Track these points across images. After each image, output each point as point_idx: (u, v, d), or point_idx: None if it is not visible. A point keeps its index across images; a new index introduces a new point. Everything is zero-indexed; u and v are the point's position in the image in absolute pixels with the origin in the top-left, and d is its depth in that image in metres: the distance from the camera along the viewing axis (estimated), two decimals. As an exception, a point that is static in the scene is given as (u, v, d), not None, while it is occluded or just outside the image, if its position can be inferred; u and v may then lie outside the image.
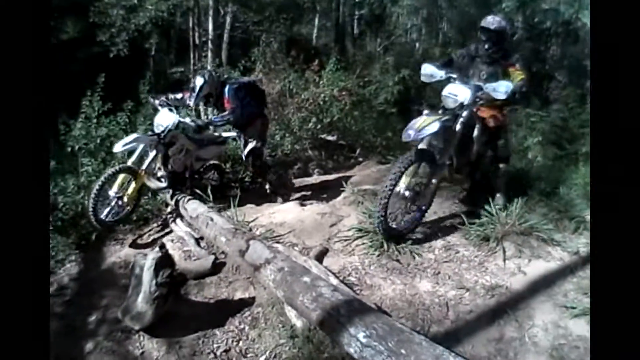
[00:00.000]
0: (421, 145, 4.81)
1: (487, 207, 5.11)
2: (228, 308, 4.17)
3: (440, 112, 4.89)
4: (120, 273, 5.09)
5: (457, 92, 4.83)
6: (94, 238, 5.72)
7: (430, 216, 5.30)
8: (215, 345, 3.81)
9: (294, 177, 8.70)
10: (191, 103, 6.56)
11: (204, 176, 7.01)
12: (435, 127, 4.57)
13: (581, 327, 3.57)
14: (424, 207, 5.03)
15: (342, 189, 6.31)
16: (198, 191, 6.31)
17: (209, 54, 15.49)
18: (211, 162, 7.12)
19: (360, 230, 4.91)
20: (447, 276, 4.31)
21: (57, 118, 8.14)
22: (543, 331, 3.59)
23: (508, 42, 5.73)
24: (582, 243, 4.75)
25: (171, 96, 6.42)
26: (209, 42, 15.87)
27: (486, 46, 5.48)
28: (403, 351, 2.50)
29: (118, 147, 5.81)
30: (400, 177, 4.55)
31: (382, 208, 4.48)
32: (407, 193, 4.71)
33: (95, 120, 7.74)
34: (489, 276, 4.29)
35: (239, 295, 4.34)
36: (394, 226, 4.79)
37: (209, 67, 14.24)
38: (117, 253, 5.55)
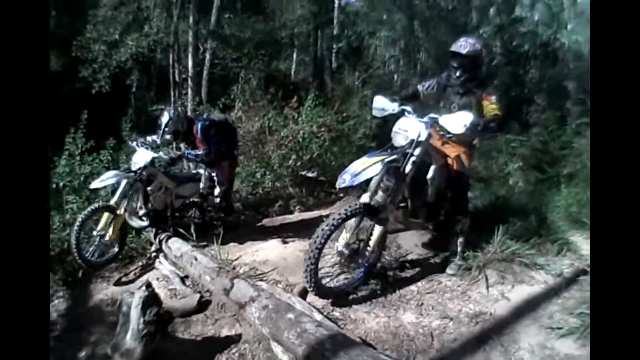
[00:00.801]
0: (364, 199, 4.29)
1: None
2: (215, 345, 4.15)
3: (388, 151, 4.36)
4: (107, 310, 5.11)
5: (408, 127, 4.30)
6: (80, 275, 5.77)
7: (410, 248, 5.41)
8: (204, 382, 3.79)
9: (275, 215, 8.71)
10: (158, 140, 6.50)
11: (185, 214, 7.09)
12: (375, 170, 4.04)
13: (568, 346, 3.62)
14: (367, 264, 4.54)
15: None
16: (181, 230, 6.37)
17: (189, 91, 15.54)
18: (192, 199, 7.20)
19: (342, 265, 4.69)
20: (431, 307, 4.34)
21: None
22: (529, 353, 3.63)
23: (483, 68, 5.28)
24: (565, 264, 4.86)
25: (148, 138, 6.49)
26: (189, 79, 15.92)
27: (457, 73, 4.87)
28: None
29: (96, 184, 6.01)
30: (332, 231, 4.07)
31: (311, 265, 4.06)
32: (344, 250, 4.25)
33: (78, 158, 7.87)
34: (473, 304, 4.33)
35: (225, 332, 4.32)
36: (329, 285, 4.46)
37: (189, 105, 14.36)
38: (104, 291, 5.60)
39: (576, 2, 21.89)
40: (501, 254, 4.94)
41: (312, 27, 22.04)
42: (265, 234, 7.07)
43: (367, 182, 4.25)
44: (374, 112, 4.72)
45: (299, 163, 10.45)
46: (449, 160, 4.83)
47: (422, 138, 4.25)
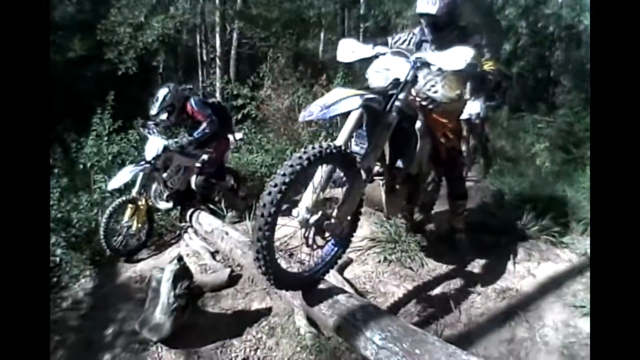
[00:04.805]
0: (340, 141, 3.11)
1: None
2: (245, 318, 4.18)
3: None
4: (135, 287, 5.22)
5: (391, 66, 3.38)
6: (109, 253, 5.84)
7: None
8: (233, 355, 3.84)
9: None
10: (152, 112, 6.45)
11: (220, 182, 7.04)
12: (353, 103, 3.00)
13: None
14: (339, 236, 3.37)
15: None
16: (212, 206, 6.50)
17: (217, 70, 15.61)
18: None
19: (372, 240, 4.88)
20: (458, 281, 4.32)
21: (63, 134, 8.33)
22: (553, 331, 3.63)
23: (460, 17, 4.26)
24: (589, 244, 4.80)
25: (159, 118, 6.43)
26: (217, 59, 16.00)
27: (432, 35, 4.07)
28: (417, 351, 2.56)
29: (113, 184, 6.08)
30: (288, 189, 2.69)
31: (262, 245, 2.77)
32: (307, 217, 3.00)
33: (106, 138, 7.97)
34: (500, 280, 4.30)
35: (255, 306, 4.37)
36: (291, 270, 3.45)
37: (217, 84, 14.39)
38: (132, 268, 5.71)
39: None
40: (528, 232, 4.91)
41: (339, 7, 21.91)
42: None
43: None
44: (340, 57, 3.72)
45: (329, 140, 10.26)
46: (437, 133, 4.12)
47: (409, 78, 3.35)
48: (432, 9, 3.82)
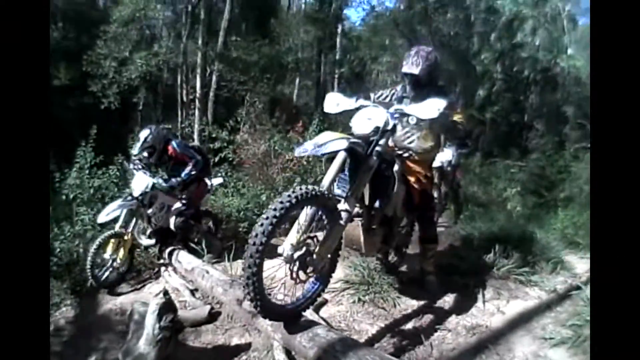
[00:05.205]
0: (324, 184, 3.41)
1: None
2: (225, 353, 4.30)
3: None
4: (116, 319, 5.30)
5: (372, 116, 3.73)
6: (89, 285, 5.93)
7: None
8: (214, 386, 3.88)
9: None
10: (134, 152, 6.62)
11: (197, 224, 7.19)
12: (340, 145, 3.41)
13: (560, 355, 3.83)
14: (321, 273, 3.67)
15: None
16: (193, 245, 6.61)
17: (196, 112, 15.73)
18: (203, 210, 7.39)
19: (346, 282, 5.06)
20: (430, 319, 4.50)
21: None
22: None
23: (438, 77, 4.67)
24: (559, 281, 5.11)
25: (143, 155, 6.56)
26: (196, 100, 16.11)
27: (414, 91, 4.51)
28: None
29: (102, 218, 6.23)
30: (277, 225, 3.00)
31: (252, 277, 3.02)
32: (291, 254, 3.23)
33: (87, 172, 8.06)
34: (470, 317, 4.51)
35: (235, 341, 4.46)
36: (281, 303, 3.57)
37: (196, 125, 14.55)
38: (113, 300, 5.79)
39: (577, 27, 22.01)
40: (497, 272, 5.19)
41: (316, 52, 22.23)
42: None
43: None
44: (327, 109, 4.04)
45: (303, 185, 10.27)
46: (411, 180, 4.51)
47: (389, 127, 3.73)
48: (416, 70, 4.35)
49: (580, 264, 5.68)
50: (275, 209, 2.99)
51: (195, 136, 15.22)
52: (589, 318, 3.55)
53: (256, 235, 2.97)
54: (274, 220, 2.97)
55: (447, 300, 4.85)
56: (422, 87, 4.46)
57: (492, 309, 4.67)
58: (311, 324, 3.66)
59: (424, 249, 4.98)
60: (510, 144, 20.09)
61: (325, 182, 3.45)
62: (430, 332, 4.30)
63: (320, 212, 3.49)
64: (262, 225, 2.96)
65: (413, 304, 4.80)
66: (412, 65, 4.38)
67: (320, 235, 3.50)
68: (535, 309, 4.64)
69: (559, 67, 21.20)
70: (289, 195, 3.06)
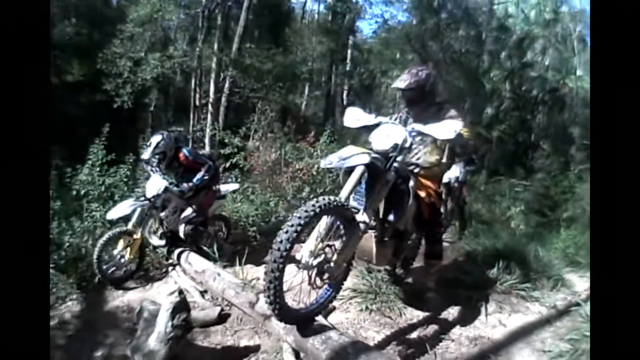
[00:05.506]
0: (343, 196, 3.56)
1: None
2: (234, 353, 4.36)
3: None
4: (123, 316, 5.36)
5: (391, 133, 3.89)
6: (97, 281, 6.00)
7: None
8: (223, 385, 3.92)
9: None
10: (145, 157, 6.56)
11: (208, 228, 7.25)
12: (362, 159, 3.60)
13: None
14: (335, 281, 3.86)
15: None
16: (205, 248, 6.63)
17: (209, 116, 15.78)
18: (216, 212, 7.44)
19: (354, 290, 5.15)
20: (434, 330, 4.61)
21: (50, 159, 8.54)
22: None
23: (435, 94, 4.76)
24: (559, 298, 5.20)
25: (152, 160, 6.60)
26: (209, 104, 16.16)
27: (407, 107, 4.79)
28: None
29: (112, 214, 6.31)
30: (300, 232, 3.15)
31: (274, 281, 3.19)
32: (310, 261, 3.45)
33: (98, 169, 8.13)
34: (473, 329, 4.64)
35: (244, 343, 4.54)
36: (295, 307, 3.69)
37: (207, 130, 14.58)
38: (120, 298, 5.85)
39: (587, 48, 22.01)
40: (500, 287, 5.31)
41: (328, 64, 22.29)
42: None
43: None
44: (347, 123, 4.25)
45: (312, 195, 10.14)
46: (422, 195, 4.56)
47: (407, 144, 3.92)
48: (402, 85, 4.52)
49: (580, 282, 5.76)
50: (299, 217, 3.16)
51: (207, 141, 15.33)
52: (586, 333, 3.78)
53: (281, 242, 3.12)
54: (299, 227, 3.13)
55: (451, 312, 4.95)
56: (414, 102, 4.66)
57: (494, 322, 4.79)
58: (324, 327, 3.81)
59: (428, 265, 5.09)
60: (516, 162, 20.09)
61: (344, 193, 3.60)
62: (434, 341, 4.40)
63: (338, 222, 3.64)
64: (286, 232, 3.13)
65: (418, 314, 4.91)
66: (399, 81, 4.55)
67: (337, 244, 3.66)
68: (535, 323, 4.76)
69: (567, 88, 21.21)
70: (312, 205, 3.22)
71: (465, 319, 4.81)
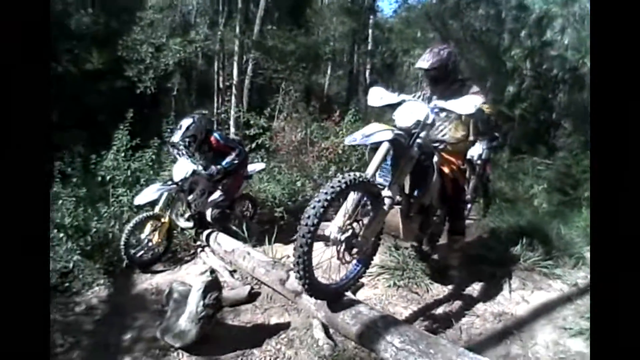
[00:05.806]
0: (369, 172, 3.64)
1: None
2: (264, 331, 4.37)
3: None
4: (152, 299, 5.41)
5: (414, 110, 3.93)
6: (125, 266, 6.06)
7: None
8: (253, 362, 4.02)
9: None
10: (175, 139, 6.54)
11: (236, 208, 7.34)
12: (386, 135, 3.67)
13: (579, 345, 4.00)
14: (363, 256, 3.95)
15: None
16: (234, 228, 6.71)
17: (233, 98, 15.80)
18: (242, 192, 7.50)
19: (382, 267, 5.24)
20: (459, 305, 4.70)
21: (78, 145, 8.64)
22: (544, 348, 4.01)
23: (457, 72, 4.80)
24: (580, 276, 5.20)
25: (182, 143, 6.61)
26: (233, 87, 16.17)
27: (430, 87, 4.74)
28: (432, 351, 3.07)
29: (139, 200, 6.33)
30: (327, 207, 3.25)
31: (303, 256, 3.30)
32: (339, 237, 3.53)
33: (123, 154, 8.17)
34: (497, 305, 4.71)
35: (274, 320, 4.58)
36: (325, 282, 3.83)
37: (232, 112, 14.60)
38: (148, 280, 5.90)
39: (605, 27, 21.60)
40: (523, 264, 5.35)
41: (350, 44, 22.22)
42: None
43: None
44: (371, 102, 4.30)
45: (338, 174, 10.21)
46: (445, 170, 4.66)
47: (429, 121, 3.95)
48: (425, 65, 4.50)
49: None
50: (326, 193, 3.24)
51: (232, 122, 15.30)
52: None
53: (308, 217, 3.21)
54: (326, 203, 3.21)
55: (476, 288, 5.01)
56: (437, 81, 4.63)
57: (517, 298, 4.83)
58: (353, 302, 3.88)
59: (451, 241, 5.15)
60: (538, 141, 19.92)
61: (370, 170, 3.67)
62: (459, 317, 4.49)
63: (365, 198, 3.72)
64: (314, 207, 3.21)
65: (444, 290, 4.98)
66: (422, 61, 4.55)
67: (365, 219, 3.75)
68: (557, 300, 4.80)
69: (586, 67, 20.98)
70: (339, 181, 3.31)
71: (489, 295, 4.87)
